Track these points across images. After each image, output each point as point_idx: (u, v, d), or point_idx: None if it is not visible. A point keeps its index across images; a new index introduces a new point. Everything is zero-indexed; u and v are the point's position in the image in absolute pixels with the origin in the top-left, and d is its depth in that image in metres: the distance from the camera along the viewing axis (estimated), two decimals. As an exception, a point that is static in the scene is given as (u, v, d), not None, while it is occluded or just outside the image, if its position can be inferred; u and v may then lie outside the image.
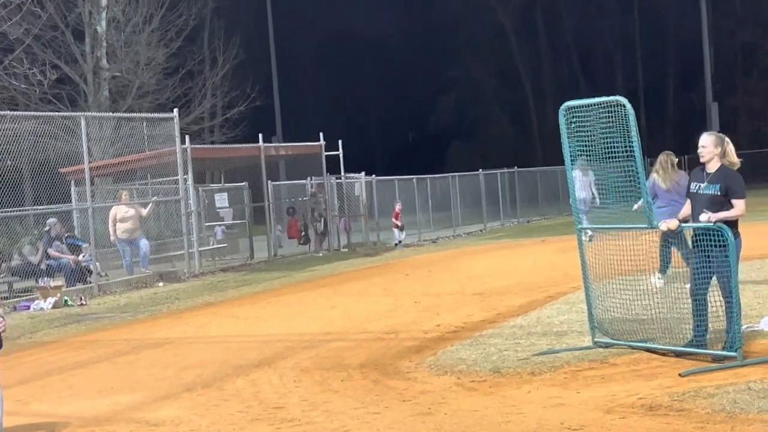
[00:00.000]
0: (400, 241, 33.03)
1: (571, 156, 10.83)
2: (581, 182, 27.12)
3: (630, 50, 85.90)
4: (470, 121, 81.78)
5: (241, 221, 31.56)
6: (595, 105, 10.27)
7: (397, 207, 34.09)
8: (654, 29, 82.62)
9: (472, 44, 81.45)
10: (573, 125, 10.61)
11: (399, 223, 33.86)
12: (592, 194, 25.84)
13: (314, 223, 32.48)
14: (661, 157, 15.97)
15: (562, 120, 10.70)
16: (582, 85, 79.33)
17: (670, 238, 13.02)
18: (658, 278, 13.26)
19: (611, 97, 10.10)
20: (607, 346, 10.81)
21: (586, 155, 10.58)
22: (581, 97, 11.16)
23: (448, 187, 41.06)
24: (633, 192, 10.36)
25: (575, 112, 10.57)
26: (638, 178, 10.04)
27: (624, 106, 9.83)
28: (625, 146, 9.93)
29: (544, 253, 25.72)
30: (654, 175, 15.58)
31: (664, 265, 13.91)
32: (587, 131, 10.44)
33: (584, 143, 10.55)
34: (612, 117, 9.99)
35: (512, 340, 11.83)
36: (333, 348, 12.63)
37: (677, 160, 16.10)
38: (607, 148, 10.17)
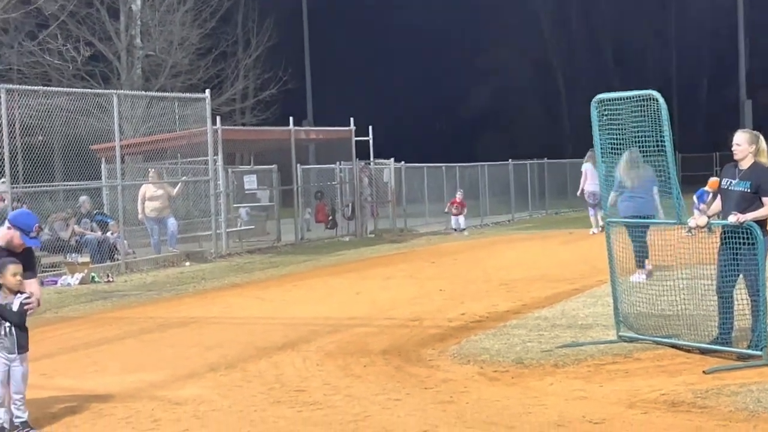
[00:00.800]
0: (463, 229, 32.52)
1: (601, 148, 10.78)
2: (592, 175, 27.21)
3: (664, 44, 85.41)
4: (501, 111, 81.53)
5: (269, 204, 31.61)
6: (627, 98, 10.22)
7: (458, 196, 33.46)
8: (689, 24, 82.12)
9: (506, 34, 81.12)
10: (605, 118, 10.56)
11: (455, 212, 33.07)
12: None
13: (343, 208, 32.53)
14: (627, 156, 15.67)
15: (593, 112, 10.66)
16: (615, 78, 78.94)
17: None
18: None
19: (644, 91, 10.04)
20: (631, 340, 10.78)
21: (619, 146, 10.51)
22: (614, 90, 11.10)
23: (477, 177, 40.96)
24: (664, 186, 10.29)
25: (607, 105, 10.52)
26: (669, 172, 9.97)
27: (657, 101, 9.77)
28: (657, 141, 9.87)
29: (571, 245, 25.65)
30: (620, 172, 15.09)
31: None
32: (619, 124, 10.39)
33: (615, 136, 10.51)
34: (644, 111, 9.93)
35: (536, 332, 11.81)
36: (357, 333, 12.65)
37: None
38: (639, 142, 10.12)
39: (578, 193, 30.02)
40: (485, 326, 12.64)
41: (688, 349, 10.24)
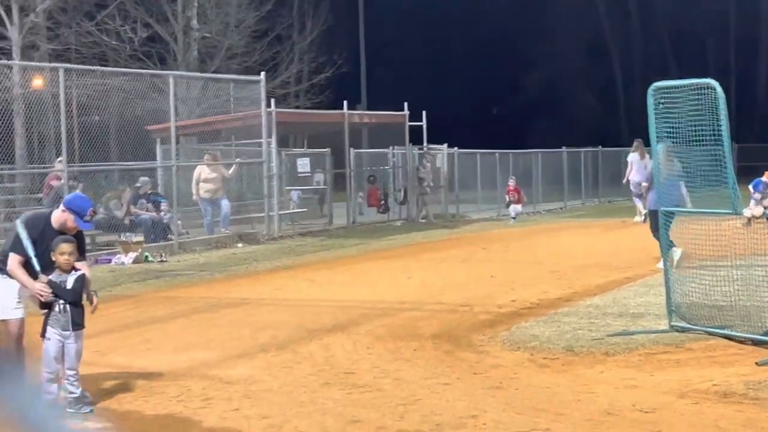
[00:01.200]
0: (514, 217, 32.08)
1: (657, 137, 10.70)
2: (637, 165, 27.78)
3: (723, 34, 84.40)
4: (556, 98, 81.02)
5: (322, 187, 31.67)
6: (684, 87, 10.14)
7: (511, 183, 33.25)
8: (749, 14, 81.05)
9: (562, 20, 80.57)
10: (661, 106, 10.49)
11: (509, 198, 32.91)
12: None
13: (395, 193, 32.53)
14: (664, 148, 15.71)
15: (650, 101, 10.58)
16: (672, 67, 78.18)
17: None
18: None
19: (702, 80, 9.95)
20: (683, 330, 10.70)
21: (675, 135, 10.43)
22: (670, 79, 11.01)
23: (530, 163, 40.76)
24: (719, 176, 10.20)
25: (664, 93, 10.44)
26: (725, 162, 9.88)
27: (714, 89, 9.68)
28: (713, 130, 9.79)
29: (624, 234, 25.49)
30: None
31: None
32: (675, 113, 10.31)
33: (671, 125, 10.43)
34: (701, 100, 9.85)
35: (587, 320, 11.77)
36: (407, 317, 12.67)
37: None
38: (695, 131, 10.04)
39: (624, 181, 30.37)
40: (536, 313, 12.61)
41: (740, 341, 10.15)
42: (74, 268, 8.31)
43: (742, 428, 7.24)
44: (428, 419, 7.71)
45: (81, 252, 8.59)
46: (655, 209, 15.29)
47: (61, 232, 8.48)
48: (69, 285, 8.23)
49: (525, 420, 7.62)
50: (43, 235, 8.46)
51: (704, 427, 7.30)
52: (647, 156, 28.28)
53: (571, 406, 8.01)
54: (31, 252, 8.40)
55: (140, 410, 8.26)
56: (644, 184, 24.90)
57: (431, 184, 32.70)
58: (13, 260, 8.45)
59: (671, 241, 13.35)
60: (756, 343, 9.98)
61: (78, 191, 20.86)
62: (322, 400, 8.40)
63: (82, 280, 8.32)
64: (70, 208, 8.53)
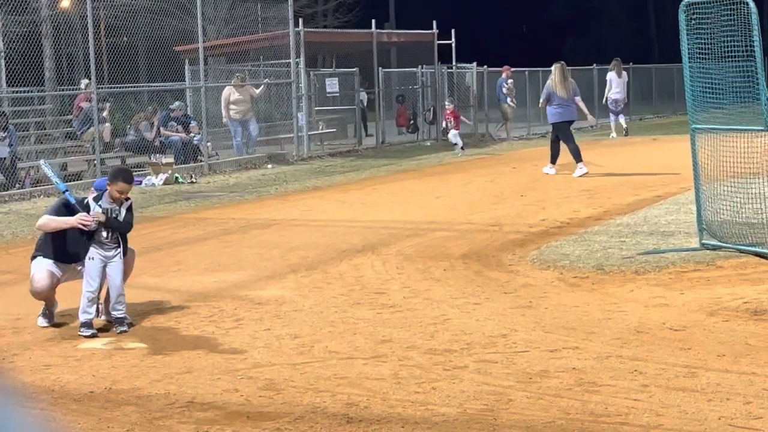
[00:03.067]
0: (454, 144, 27.65)
1: (689, 54, 10.58)
2: (617, 83, 29.48)
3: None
4: (586, 15, 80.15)
5: (350, 107, 31.58)
6: (717, 2, 10.00)
7: (449, 107, 28.88)
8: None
9: (592, -66, 79.51)
10: (693, 23, 10.36)
11: (446, 124, 28.73)
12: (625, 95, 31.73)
13: (424, 112, 32.40)
14: (559, 66, 20.28)
15: (682, 17, 10.45)
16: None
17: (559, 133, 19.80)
18: (550, 167, 19.98)
19: (735, -5, 9.81)
20: (714, 248, 10.67)
21: (708, 52, 10.31)
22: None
23: (561, 82, 40.43)
24: (751, 92, 10.09)
25: (696, 9, 10.31)
26: (757, 78, 9.77)
27: (747, 4, 9.55)
28: (746, 46, 9.67)
29: (654, 151, 25.35)
30: (551, 83, 19.94)
31: (555, 156, 20.01)
32: (707, 30, 10.19)
33: (703, 41, 10.31)
34: (734, 16, 9.72)
35: (617, 238, 11.74)
36: (436, 237, 12.70)
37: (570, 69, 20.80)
38: (727, 47, 9.92)
39: (603, 101, 32.74)
40: (566, 232, 12.60)
41: (772, 258, 10.11)
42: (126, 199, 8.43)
43: (772, 346, 7.23)
44: (458, 338, 7.76)
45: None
46: (554, 122, 20.16)
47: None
48: (122, 216, 8.35)
49: (555, 339, 7.65)
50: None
51: (734, 344, 7.30)
52: (624, 73, 29.96)
53: (601, 325, 8.03)
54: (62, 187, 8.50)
55: (173, 330, 8.35)
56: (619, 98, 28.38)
57: (512, 105, 32.58)
58: (48, 219, 8.52)
59: (557, 154, 19.77)
60: (787, 260, 9.95)
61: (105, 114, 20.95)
62: (353, 320, 8.46)
63: (132, 210, 8.46)
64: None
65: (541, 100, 20.82)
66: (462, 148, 27.06)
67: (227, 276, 10.61)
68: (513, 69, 35.11)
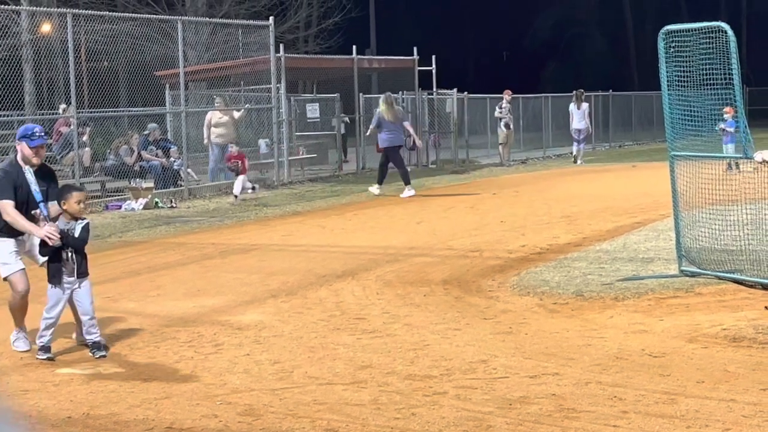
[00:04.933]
0: (237, 195, 22.00)
1: (668, 81, 10.64)
2: (577, 114, 32.50)
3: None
4: (566, 42, 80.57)
5: (331, 132, 31.58)
6: (695, 30, 10.07)
7: (231, 149, 23.11)
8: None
9: (573, -38, 79.96)
10: (672, 50, 10.42)
11: (230, 166, 22.91)
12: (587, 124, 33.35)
13: (405, 138, 32.38)
14: (385, 97, 22.27)
15: (661, 44, 10.52)
16: (684, 10, 77.60)
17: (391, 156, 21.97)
18: (376, 188, 22.04)
19: (713, 23, 9.89)
20: (693, 275, 10.70)
21: (686, 79, 10.37)
22: (682, 22, 10.93)
23: (541, 108, 40.63)
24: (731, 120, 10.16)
25: (675, 36, 10.38)
26: (736, 106, 9.84)
27: (726, 32, 9.61)
28: (725, 74, 9.73)
29: (634, 178, 25.44)
30: (381, 110, 21.89)
31: (381, 178, 22.14)
32: (686, 57, 10.25)
33: (682, 69, 10.37)
34: (713, 43, 9.78)
35: (597, 265, 11.77)
36: (417, 263, 12.69)
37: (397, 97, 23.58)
38: (706, 74, 9.98)
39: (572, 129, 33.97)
40: (545, 258, 12.62)
41: (750, 285, 10.13)
42: (79, 217, 8.32)
43: (751, 372, 7.25)
44: (438, 364, 7.75)
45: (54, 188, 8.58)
46: (384, 146, 22.15)
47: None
48: (77, 233, 8.24)
49: (534, 365, 7.65)
50: (19, 179, 8.43)
51: (713, 371, 7.32)
52: (584, 104, 30.95)
53: (580, 351, 8.03)
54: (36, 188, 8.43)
55: (151, 355, 8.31)
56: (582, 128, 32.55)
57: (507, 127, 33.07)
58: (8, 206, 8.37)
59: (383, 177, 22.05)
60: (766, 287, 9.98)
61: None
62: (333, 346, 8.44)
63: (88, 229, 8.35)
64: (19, 139, 8.53)
65: (371, 127, 23.03)
66: (253, 188, 22.80)
67: (207, 301, 10.58)
68: (491, 96, 35.35)
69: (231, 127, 24.62)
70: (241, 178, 22.21)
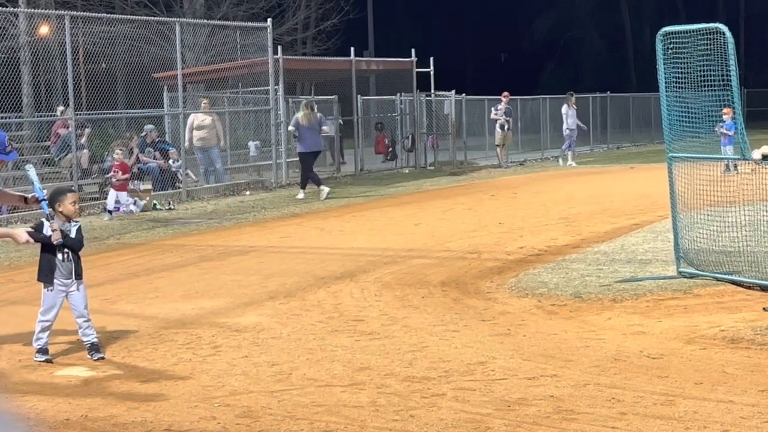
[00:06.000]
0: (111, 212, 19.00)
1: (666, 83, 10.65)
2: (572, 116, 32.87)
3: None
4: (565, 44, 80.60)
5: (328, 134, 31.53)
6: (693, 32, 10.07)
7: (116, 156, 20.17)
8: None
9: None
10: (670, 51, 10.43)
11: (118, 183, 19.51)
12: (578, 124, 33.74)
13: (403, 140, 32.47)
14: (305, 103, 23.17)
15: (659, 46, 10.52)
16: (681, 12, 77.64)
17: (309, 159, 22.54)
18: (302, 193, 22.39)
19: (711, 24, 9.89)
20: (691, 276, 10.70)
21: (684, 80, 10.38)
22: (680, 24, 10.94)
23: (539, 110, 40.65)
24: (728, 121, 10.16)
25: (673, 38, 10.38)
26: (734, 107, 9.84)
27: (723, 34, 9.61)
28: (722, 75, 9.73)
29: (632, 180, 25.45)
30: (299, 116, 22.63)
31: (304, 182, 22.67)
32: (684, 58, 10.25)
33: (680, 70, 10.37)
34: (710, 45, 9.79)
35: (595, 266, 11.77)
36: (415, 264, 12.69)
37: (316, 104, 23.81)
38: (704, 76, 9.98)
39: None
40: (544, 260, 12.62)
41: (748, 286, 10.14)
42: (72, 219, 8.32)
43: (749, 374, 7.25)
44: (437, 366, 7.74)
45: None
46: (300, 151, 22.65)
47: None
48: (72, 234, 8.24)
49: (533, 366, 7.65)
50: None
51: (711, 372, 7.32)
52: (574, 107, 31.28)
53: (579, 353, 8.03)
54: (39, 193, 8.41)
55: (149, 357, 8.30)
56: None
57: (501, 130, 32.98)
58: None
59: (319, 179, 22.67)
60: (764, 288, 9.98)
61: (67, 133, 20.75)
62: (331, 348, 8.43)
63: (81, 230, 8.35)
64: None
65: (289, 128, 23.56)
66: (134, 202, 19.92)
67: (205, 303, 10.57)
68: (489, 97, 35.38)
69: (213, 130, 24.48)
70: (114, 192, 19.23)
